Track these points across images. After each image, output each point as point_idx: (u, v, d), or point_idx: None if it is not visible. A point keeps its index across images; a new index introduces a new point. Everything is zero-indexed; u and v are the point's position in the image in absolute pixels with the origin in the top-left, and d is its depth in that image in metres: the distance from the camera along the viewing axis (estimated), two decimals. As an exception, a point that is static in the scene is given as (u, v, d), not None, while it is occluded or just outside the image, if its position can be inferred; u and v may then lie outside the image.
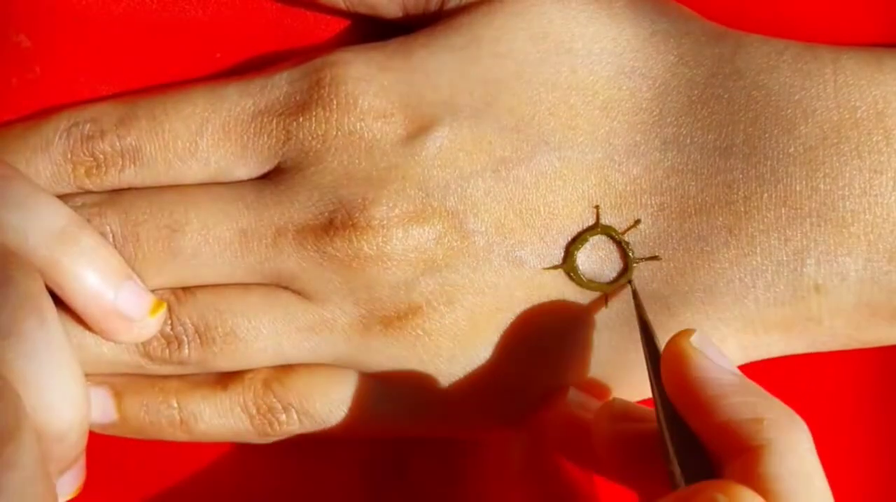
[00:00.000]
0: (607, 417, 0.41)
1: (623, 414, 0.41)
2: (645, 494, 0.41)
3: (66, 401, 0.39)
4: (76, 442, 0.40)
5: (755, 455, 0.37)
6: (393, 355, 0.43)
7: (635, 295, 0.42)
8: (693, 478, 0.37)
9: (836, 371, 0.45)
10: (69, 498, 0.42)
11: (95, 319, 0.42)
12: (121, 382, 0.44)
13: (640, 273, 0.43)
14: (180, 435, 0.44)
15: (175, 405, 0.44)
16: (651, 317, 0.43)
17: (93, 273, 0.41)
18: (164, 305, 0.42)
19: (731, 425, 0.37)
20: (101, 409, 0.44)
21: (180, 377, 0.44)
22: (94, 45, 0.44)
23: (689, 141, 0.42)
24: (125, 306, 0.42)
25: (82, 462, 0.42)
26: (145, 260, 0.42)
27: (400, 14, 0.43)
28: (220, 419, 0.44)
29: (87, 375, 0.44)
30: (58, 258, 0.41)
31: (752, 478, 0.36)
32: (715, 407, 0.38)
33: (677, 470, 0.38)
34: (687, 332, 0.39)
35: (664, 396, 0.39)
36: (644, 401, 0.44)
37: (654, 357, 0.40)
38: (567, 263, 0.43)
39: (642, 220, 0.42)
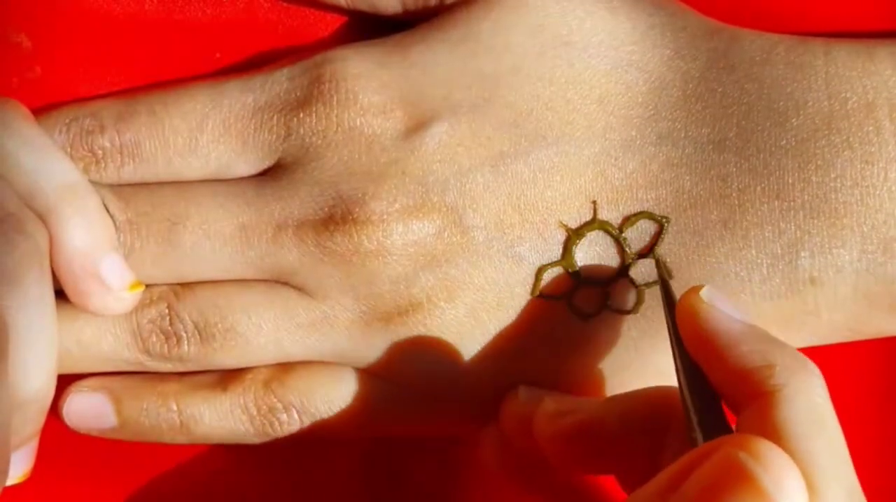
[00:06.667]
0: (545, 419, 0.41)
1: (557, 411, 0.41)
2: (620, 477, 0.41)
3: (40, 368, 0.39)
4: (34, 417, 0.39)
5: (768, 400, 0.37)
6: (394, 351, 0.43)
7: (658, 264, 0.42)
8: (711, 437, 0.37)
9: (838, 364, 0.45)
10: (17, 481, 0.41)
11: (75, 277, 0.41)
12: (119, 387, 0.44)
13: (636, 269, 0.43)
14: (180, 438, 0.44)
15: (174, 408, 0.43)
16: (649, 312, 0.43)
17: (87, 231, 0.41)
18: (143, 287, 0.42)
19: (743, 372, 0.38)
20: (101, 415, 0.43)
21: (179, 379, 0.44)
22: (94, 45, 0.44)
23: (683, 135, 0.43)
24: (106, 273, 0.41)
25: (34, 445, 0.41)
26: (144, 250, 0.42)
27: (399, 10, 0.44)
28: (220, 421, 0.43)
29: (84, 376, 0.44)
30: (62, 208, 0.41)
31: (766, 423, 0.36)
32: (727, 357, 0.38)
33: (699, 436, 0.38)
34: (696, 288, 0.40)
35: (683, 356, 0.39)
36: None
37: (673, 320, 0.40)
38: (565, 259, 0.43)
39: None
